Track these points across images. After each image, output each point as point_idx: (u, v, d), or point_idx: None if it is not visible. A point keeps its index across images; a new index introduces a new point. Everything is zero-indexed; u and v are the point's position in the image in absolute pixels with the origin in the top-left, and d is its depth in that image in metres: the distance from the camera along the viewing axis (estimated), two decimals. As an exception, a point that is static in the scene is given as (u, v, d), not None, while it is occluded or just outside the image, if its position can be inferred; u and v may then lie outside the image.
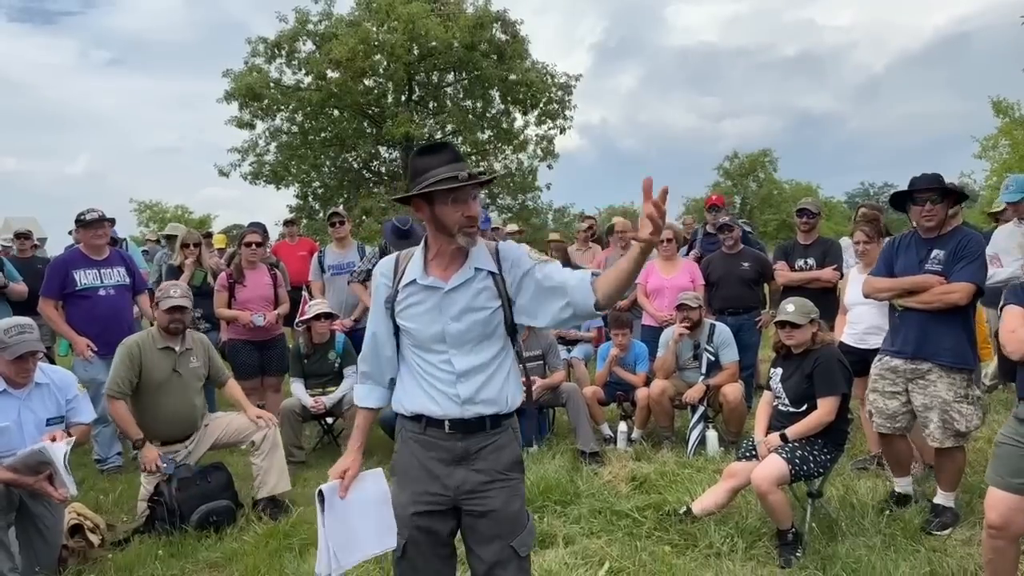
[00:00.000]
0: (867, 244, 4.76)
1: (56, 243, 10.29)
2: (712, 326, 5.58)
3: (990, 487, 2.98)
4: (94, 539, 3.95)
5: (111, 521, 4.39)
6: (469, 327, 2.23)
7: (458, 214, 2.16)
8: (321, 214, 22.92)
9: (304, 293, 6.23)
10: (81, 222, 5.38)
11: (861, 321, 4.73)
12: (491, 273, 2.25)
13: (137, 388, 4.36)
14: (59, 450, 3.34)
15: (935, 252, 3.83)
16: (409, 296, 2.26)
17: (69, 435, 3.52)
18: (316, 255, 6.57)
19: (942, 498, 3.96)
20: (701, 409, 5.39)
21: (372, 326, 2.37)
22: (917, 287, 3.85)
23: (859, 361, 4.46)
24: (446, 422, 2.25)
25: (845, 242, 6.48)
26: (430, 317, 2.24)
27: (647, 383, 5.66)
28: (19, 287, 6.06)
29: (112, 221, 5.72)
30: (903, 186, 4.03)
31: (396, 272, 2.30)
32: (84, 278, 5.30)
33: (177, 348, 4.47)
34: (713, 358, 5.50)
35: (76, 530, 3.91)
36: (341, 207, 7.43)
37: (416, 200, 2.20)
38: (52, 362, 4.94)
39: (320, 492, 2.26)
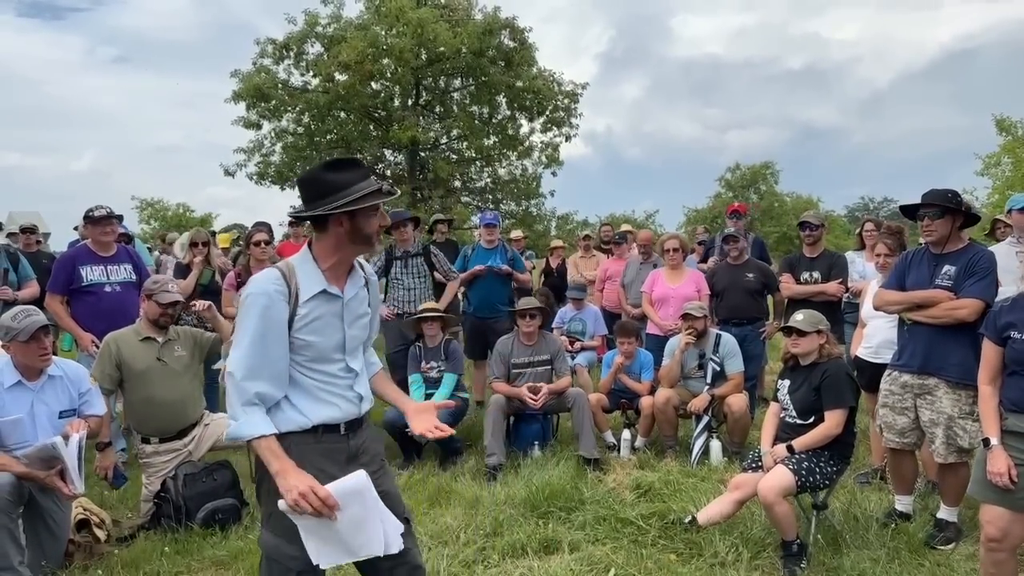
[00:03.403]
0: (888, 257, 4.72)
1: (59, 239, 10.30)
2: (718, 336, 5.60)
3: (986, 504, 3.05)
4: (100, 534, 3.97)
5: (116, 517, 4.40)
6: (359, 332, 2.44)
7: (376, 223, 2.35)
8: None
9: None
10: (90, 218, 5.39)
11: (876, 335, 4.73)
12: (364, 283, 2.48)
13: (124, 382, 4.40)
14: (72, 446, 3.36)
15: (946, 268, 3.85)
16: (313, 310, 2.29)
17: (88, 424, 3.55)
18: None
19: (946, 513, 3.98)
20: (705, 419, 5.40)
21: (271, 347, 2.24)
22: (926, 301, 3.87)
23: (873, 376, 4.47)
24: (342, 425, 2.37)
25: (849, 256, 6.51)
26: (333, 327, 2.35)
27: (652, 392, 5.68)
28: (30, 290, 6.02)
29: (120, 218, 5.74)
30: (903, 201, 4.08)
31: (291, 290, 2.26)
32: (91, 274, 5.31)
33: (160, 339, 4.50)
34: (718, 368, 5.51)
35: (83, 525, 3.93)
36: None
37: (337, 214, 2.26)
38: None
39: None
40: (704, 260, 8.18)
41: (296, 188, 2.76)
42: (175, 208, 41.24)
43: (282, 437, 2.26)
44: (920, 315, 3.92)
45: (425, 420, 2.53)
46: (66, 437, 3.45)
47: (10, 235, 7.71)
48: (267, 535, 2.34)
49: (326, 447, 2.33)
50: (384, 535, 2.30)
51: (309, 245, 2.37)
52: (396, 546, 2.33)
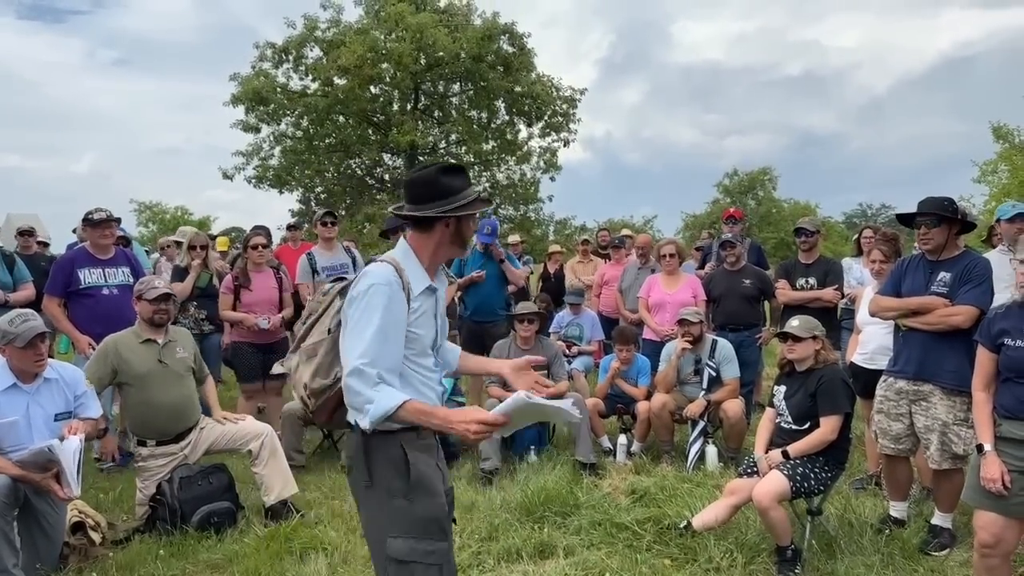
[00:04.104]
0: (884, 264, 4.69)
1: (58, 241, 10.28)
2: (714, 342, 5.61)
3: (980, 510, 3.07)
4: (95, 537, 3.97)
5: (111, 519, 4.40)
6: (442, 326, 2.48)
7: (473, 228, 2.45)
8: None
9: (309, 298, 6.22)
10: (89, 221, 5.39)
11: (871, 341, 4.73)
12: None
13: (123, 384, 4.38)
14: (69, 449, 3.36)
15: (941, 274, 3.87)
16: (421, 304, 2.33)
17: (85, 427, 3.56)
18: (305, 257, 6.50)
19: (940, 519, 3.99)
20: (701, 424, 5.41)
21: (391, 339, 2.22)
22: (922, 308, 3.88)
23: (868, 382, 4.47)
24: None
25: (846, 263, 6.53)
26: (431, 321, 2.38)
27: (648, 397, 5.69)
28: (24, 292, 6.01)
29: (118, 221, 5.75)
30: (901, 207, 4.11)
31: (404, 284, 2.27)
32: (89, 277, 5.32)
33: (160, 340, 4.48)
34: (714, 374, 5.53)
35: (78, 527, 3.93)
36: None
37: (446, 216, 2.32)
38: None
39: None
40: (702, 266, 8.21)
41: (404, 188, 2.67)
42: (173, 211, 41.26)
43: (393, 435, 2.25)
44: (915, 322, 3.93)
45: (525, 379, 2.52)
46: (62, 439, 3.45)
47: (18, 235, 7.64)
48: (397, 542, 2.24)
49: (424, 443, 2.33)
50: (560, 415, 2.31)
51: (406, 242, 2.39)
52: (574, 417, 2.32)
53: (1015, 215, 5.02)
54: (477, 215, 2.42)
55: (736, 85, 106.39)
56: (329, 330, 2.35)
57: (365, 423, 2.16)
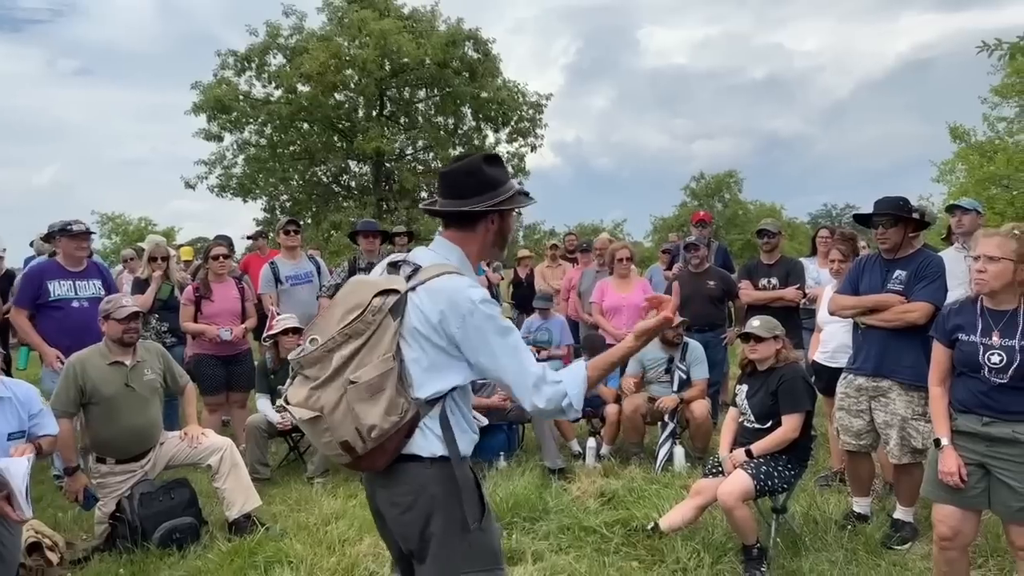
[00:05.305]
0: (842, 263, 4.76)
1: (16, 254, 10.00)
2: (685, 343, 5.66)
3: (938, 504, 3.13)
4: (53, 557, 3.86)
5: (70, 539, 4.29)
6: None
7: (512, 228, 2.20)
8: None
9: (272, 308, 6.15)
10: (68, 232, 5.25)
11: (832, 339, 4.82)
12: None
13: (88, 405, 4.26)
14: (17, 470, 3.26)
15: (897, 272, 3.96)
16: None
17: (37, 447, 3.46)
18: (268, 266, 6.41)
19: (902, 513, 4.06)
20: (670, 426, 5.45)
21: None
22: (879, 305, 3.96)
23: (831, 380, 4.54)
24: None
25: (807, 262, 6.63)
26: None
27: (617, 399, 5.72)
28: None
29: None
30: (864, 207, 4.19)
31: None
32: (59, 289, 5.20)
33: (128, 362, 4.35)
34: (685, 376, 5.58)
35: (34, 548, 3.82)
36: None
37: (492, 212, 2.08)
38: (8, 374, 4.82)
39: None
40: (669, 267, 8.28)
41: (441, 180, 2.13)
42: (137, 222, 40.48)
43: (466, 459, 2.08)
44: (873, 319, 4.00)
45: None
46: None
47: None
48: None
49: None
50: None
51: (453, 246, 2.11)
52: None
53: (949, 206, 5.28)
54: (516, 212, 2.21)
55: (702, 90, 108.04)
56: (393, 356, 1.96)
57: (575, 409, 2.03)
